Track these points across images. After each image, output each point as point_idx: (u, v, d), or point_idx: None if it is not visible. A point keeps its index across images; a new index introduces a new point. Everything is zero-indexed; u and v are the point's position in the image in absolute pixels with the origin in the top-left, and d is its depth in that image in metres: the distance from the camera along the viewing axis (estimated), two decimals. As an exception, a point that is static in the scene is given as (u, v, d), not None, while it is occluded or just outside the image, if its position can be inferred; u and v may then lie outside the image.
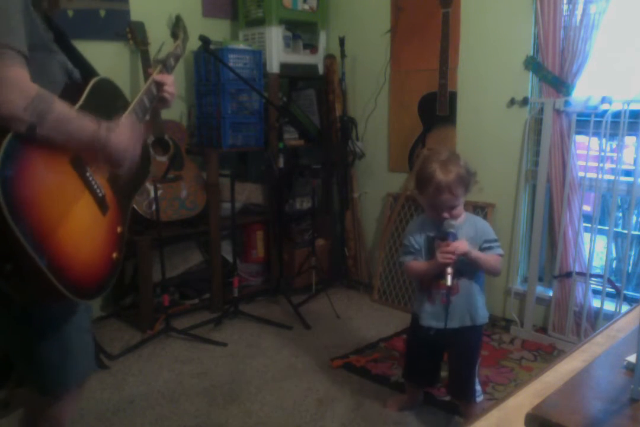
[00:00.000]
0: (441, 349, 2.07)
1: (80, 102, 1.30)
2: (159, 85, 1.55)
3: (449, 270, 1.78)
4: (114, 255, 1.36)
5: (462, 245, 1.83)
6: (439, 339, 1.97)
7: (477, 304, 1.96)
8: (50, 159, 1.18)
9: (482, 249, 1.93)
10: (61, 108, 1.16)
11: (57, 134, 1.15)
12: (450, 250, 1.80)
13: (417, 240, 1.96)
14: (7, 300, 1.18)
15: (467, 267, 1.91)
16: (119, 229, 1.40)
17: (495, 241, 1.96)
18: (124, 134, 1.32)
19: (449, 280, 1.77)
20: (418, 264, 1.95)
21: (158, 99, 1.56)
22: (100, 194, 1.33)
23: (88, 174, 1.29)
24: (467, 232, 1.92)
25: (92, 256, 1.28)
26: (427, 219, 1.98)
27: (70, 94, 1.26)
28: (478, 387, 2.00)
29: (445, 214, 1.88)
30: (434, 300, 1.95)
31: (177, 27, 1.82)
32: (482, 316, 1.98)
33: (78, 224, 1.23)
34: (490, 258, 1.92)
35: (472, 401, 1.99)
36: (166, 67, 1.63)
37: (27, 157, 1.11)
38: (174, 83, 1.59)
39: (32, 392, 1.44)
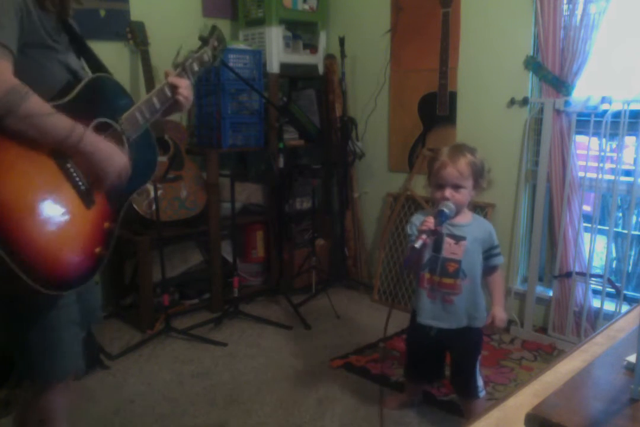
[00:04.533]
0: (442, 347, 2.07)
1: (69, 97, 1.29)
2: (174, 87, 1.52)
3: (423, 236, 1.74)
4: (97, 249, 1.34)
5: None
6: (440, 338, 1.98)
7: (478, 306, 1.96)
8: (25, 148, 1.18)
9: (488, 254, 1.95)
10: (34, 103, 1.17)
11: (26, 127, 1.16)
12: (429, 222, 1.76)
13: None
14: None
15: (471, 270, 1.91)
16: (106, 225, 1.38)
17: (498, 247, 1.98)
18: (101, 144, 1.32)
19: (417, 243, 1.72)
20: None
21: (172, 102, 1.53)
22: (82, 187, 1.31)
23: (69, 165, 1.28)
24: (475, 232, 1.92)
25: (70, 248, 1.26)
26: (430, 212, 1.96)
27: (65, 91, 1.27)
28: (480, 384, 2.01)
29: (448, 193, 1.85)
30: (434, 297, 1.94)
31: (210, 35, 1.75)
32: (480, 318, 1.96)
33: (54, 214, 1.22)
34: (501, 288, 2.02)
35: (476, 396, 2.00)
36: (185, 70, 1.59)
37: None
38: (189, 87, 1.55)
39: (23, 381, 1.48)
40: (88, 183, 1.33)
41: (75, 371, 1.46)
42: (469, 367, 2.00)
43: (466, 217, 1.94)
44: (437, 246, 1.91)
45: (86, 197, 1.32)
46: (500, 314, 1.94)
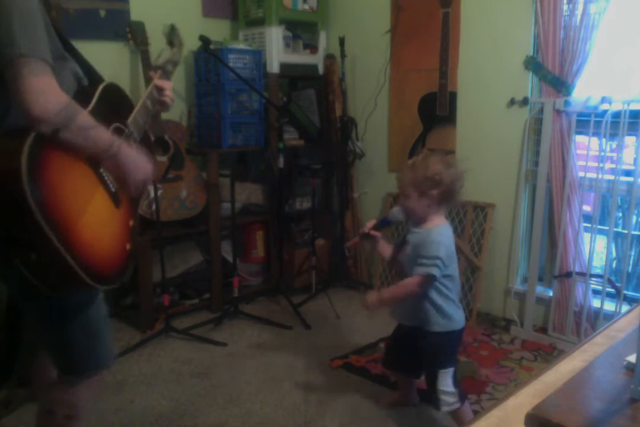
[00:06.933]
0: (413, 344, 2.04)
1: (90, 107, 1.36)
2: (160, 89, 1.63)
3: (356, 238, 2.08)
4: (128, 246, 1.44)
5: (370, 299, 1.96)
6: (413, 335, 2.00)
7: (427, 309, 1.92)
8: (69, 156, 1.26)
9: (416, 262, 1.90)
10: (85, 117, 1.26)
11: (76, 139, 1.24)
12: (368, 225, 2.00)
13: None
14: (36, 290, 1.24)
15: (412, 274, 1.91)
16: (130, 222, 1.48)
17: (430, 258, 1.85)
18: (134, 155, 1.41)
19: (348, 244, 2.12)
20: None
21: (159, 103, 1.64)
22: (113, 189, 1.40)
23: (102, 170, 1.37)
24: (417, 239, 1.92)
25: (109, 246, 1.36)
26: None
27: (79, 99, 1.30)
28: (446, 398, 1.93)
29: (400, 201, 1.98)
30: None
31: (172, 36, 1.89)
32: (436, 323, 1.92)
33: (95, 216, 1.31)
34: (398, 289, 1.94)
35: (436, 406, 1.97)
36: (165, 73, 1.70)
37: (48, 154, 1.20)
38: (172, 88, 1.67)
39: (57, 376, 1.51)
40: (116, 185, 1.42)
41: (108, 363, 1.54)
42: (429, 374, 1.98)
43: (427, 225, 1.92)
44: (400, 249, 2.01)
45: (115, 198, 1.41)
46: (372, 297, 1.96)
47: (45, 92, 1.17)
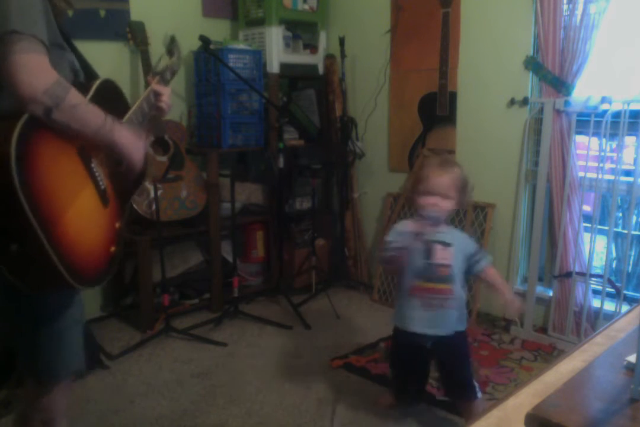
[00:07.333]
0: (428, 357, 2.06)
1: (87, 98, 1.33)
2: (157, 95, 1.61)
3: (417, 237, 1.85)
4: (112, 248, 1.38)
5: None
6: (432, 348, 1.97)
7: (464, 308, 2.00)
8: (60, 146, 1.23)
9: (473, 264, 1.94)
10: (76, 95, 1.22)
11: (70, 120, 1.20)
12: (422, 224, 1.87)
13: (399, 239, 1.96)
14: (12, 289, 1.20)
15: (459, 274, 1.93)
16: (117, 224, 1.43)
17: (481, 249, 2.01)
18: (127, 132, 1.38)
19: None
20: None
21: (155, 108, 1.62)
22: (102, 186, 1.36)
23: (93, 165, 1.33)
24: (457, 238, 1.96)
25: (92, 245, 1.30)
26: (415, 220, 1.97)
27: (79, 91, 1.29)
28: (476, 384, 2.02)
29: (433, 199, 1.87)
30: (429, 305, 1.92)
31: (172, 46, 1.92)
32: (467, 319, 2.02)
33: (81, 211, 1.26)
34: (501, 278, 1.99)
35: (475, 397, 2.00)
36: (163, 80, 1.69)
37: (39, 141, 1.17)
38: (170, 94, 1.66)
39: (26, 382, 1.48)
40: (106, 183, 1.38)
41: (79, 369, 1.49)
42: (464, 371, 2.01)
43: (445, 227, 1.97)
44: (428, 253, 1.93)
45: (104, 197, 1.36)
46: (514, 299, 1.93)
47: (34, 70, 1.14)
